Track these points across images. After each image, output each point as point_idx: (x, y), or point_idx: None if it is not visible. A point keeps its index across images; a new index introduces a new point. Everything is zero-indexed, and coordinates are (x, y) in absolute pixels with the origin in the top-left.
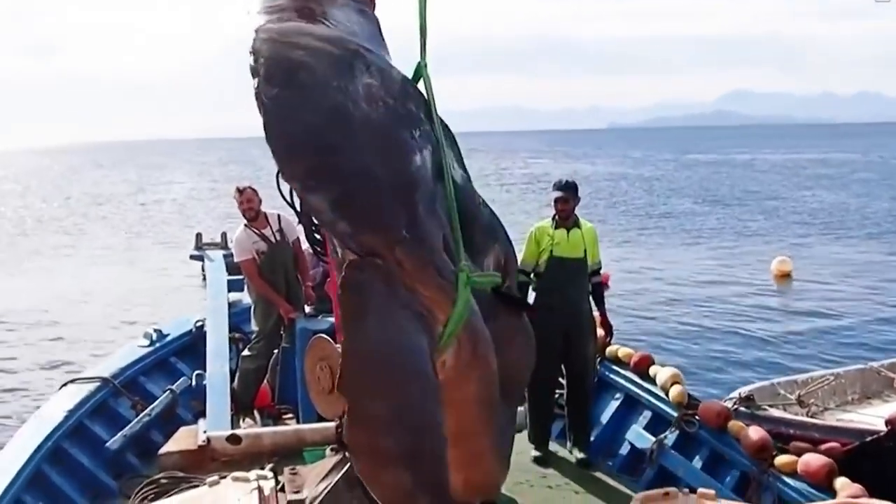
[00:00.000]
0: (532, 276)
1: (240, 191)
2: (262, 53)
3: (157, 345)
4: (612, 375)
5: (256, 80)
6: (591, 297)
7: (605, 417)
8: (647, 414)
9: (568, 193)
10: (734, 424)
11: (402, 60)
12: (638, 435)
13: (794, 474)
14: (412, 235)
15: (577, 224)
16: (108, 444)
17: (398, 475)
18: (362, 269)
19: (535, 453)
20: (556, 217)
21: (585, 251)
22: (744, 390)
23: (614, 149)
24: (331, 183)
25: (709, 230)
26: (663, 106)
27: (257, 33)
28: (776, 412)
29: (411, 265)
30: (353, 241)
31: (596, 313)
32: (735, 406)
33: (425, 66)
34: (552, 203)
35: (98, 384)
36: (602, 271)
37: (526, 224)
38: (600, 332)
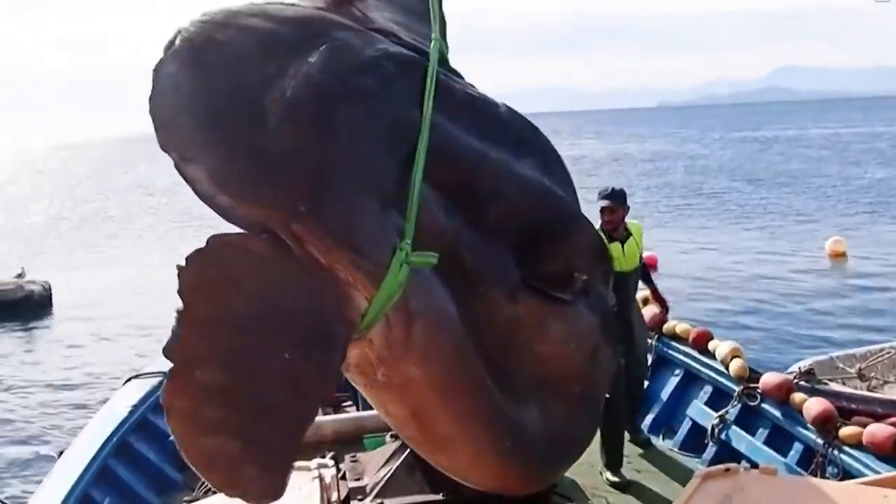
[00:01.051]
0: None
1: None
2: (183, 32)
3: None
4: (670, 352)
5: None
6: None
7: (665, 394)
8: (708, 389)
9: (615, 202)
10: (796, 397)
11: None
12: (699, 411)
13: (859, 446)
14: (317, 211)
15: (627, 232)
16: (172, 438)
17: (221, 442)
18: (226, 243)
19: (611, 478)
20: (604, 229)
21: (640, 255)
22: (803, 364)
23: (663, 127)
24: (205, 153)
25: (759, 208)
26: (713, 83)
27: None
28: (837, 386)
29: (318, 242)
30: (235, 216)
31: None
32: (795, 380)
33: (437, 39)
34: (599, 213)
35: (160, 378)
36: (651, 252)
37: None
38: (655, 309)
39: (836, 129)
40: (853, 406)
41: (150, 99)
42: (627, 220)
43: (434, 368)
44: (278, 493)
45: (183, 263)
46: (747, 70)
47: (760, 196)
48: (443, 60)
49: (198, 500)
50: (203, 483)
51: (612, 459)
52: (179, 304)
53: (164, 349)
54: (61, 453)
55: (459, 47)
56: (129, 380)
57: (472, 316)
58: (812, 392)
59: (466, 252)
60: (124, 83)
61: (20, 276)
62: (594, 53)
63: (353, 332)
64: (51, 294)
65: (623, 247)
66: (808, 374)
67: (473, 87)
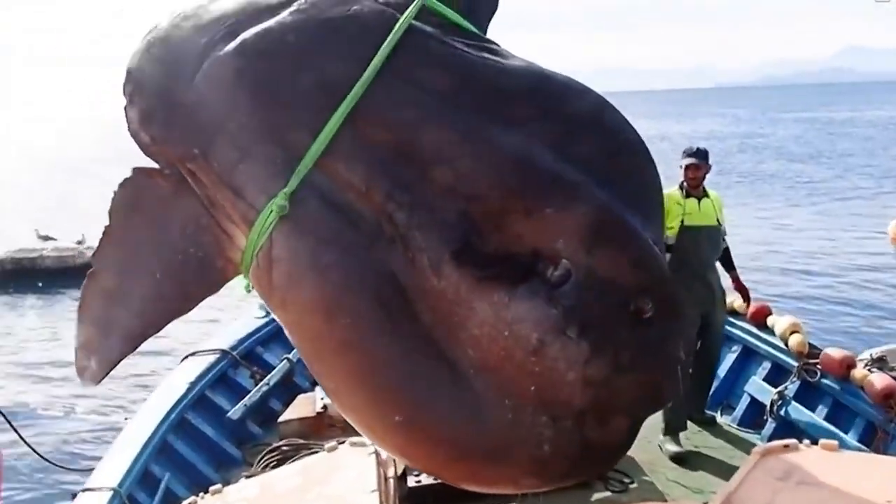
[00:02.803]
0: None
1: None
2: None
3: (273, 315)
4: (728, 327)
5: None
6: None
7: (723, 370)
8: (767, 365)
9: (699, 160)
10: (858, 373)
11: None
12: (758, 387)
13: None
14: (208, 153)
15: (706, 193)
16: (229, 414)
17: (90, 332)
18: (142, 173)
19: (672, 448)
20: (686, 185)
21: (718, 219)
22: (875, 351)
23: (719, 108)
24: (140, 99)
25: (820, 189)
26: (774, 63)
27: None
28: None
29: (207, 181)
30: (150, 153)
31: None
32: (867, 367)
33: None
34: (682, 170)
35: (218, 356)
36: None
37: None
38: (736, 298)
39: None
40: None
41: (131, 55)
42: (710, 189)
43: (294, 316)
44: (96, 380)
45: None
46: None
47: (821, 177)
48: (455, 24)
49: (256, 475)
50: (262, 459)
51: (672, 427)
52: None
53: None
54: (119, 425)
55: (508, 25)
56: (186, 357)
57: (399, 280)
58: None
59: (398, 213)
60: None
61: (80, 242)
62: (649, 32)
63: (233, 267)
64: None
65: (699, 203)
66: (881, 360)
67: (495, 54)
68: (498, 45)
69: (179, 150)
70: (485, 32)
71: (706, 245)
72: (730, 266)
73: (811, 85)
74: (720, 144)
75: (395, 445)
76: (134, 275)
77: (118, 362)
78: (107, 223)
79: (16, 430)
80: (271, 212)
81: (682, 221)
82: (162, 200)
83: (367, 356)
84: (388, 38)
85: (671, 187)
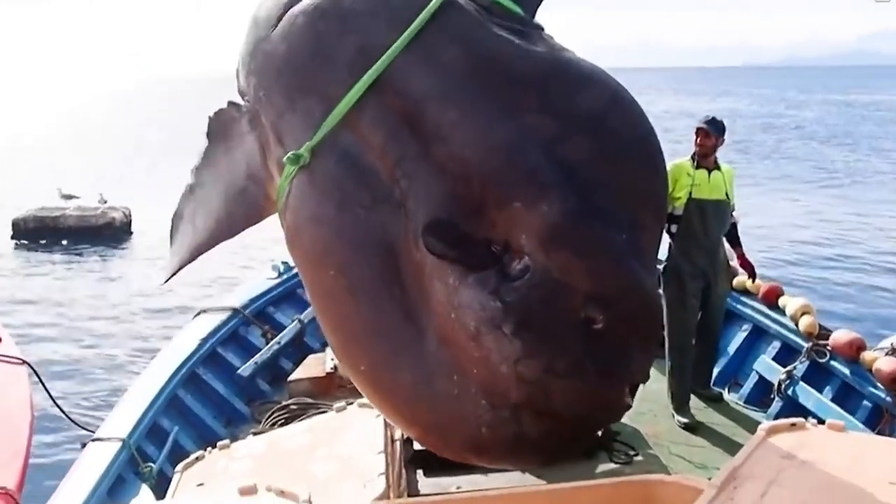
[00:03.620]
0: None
1: None
2: None
3: (285, 276)
4: (739, 306)
5: None
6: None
7: (733, 348)
8: (776, 344)
9: (710, 127)
10: (867, 355)
11: None
12: (766, 366)
13: None
14: (267, 100)
15: (717, 166)
16: (239, 371)
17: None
18: (230, 107)
19: (682, 419)
20: (696, 155)
21: (727, 193)
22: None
23: (746, 87)
24: (240, 48)
25: (842, 172)
26: (802, 44)
27: None
28: None
29: (265, 123)
30: (240, 94)
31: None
32: (888, 354)
33: None
34: (694, 138)
35: (230, 314)
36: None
37: None
38: (740, 274)
39: None
40: None
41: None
42: (724, 164)
43: (299, 261)
44: (164, 280)
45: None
46: (839, 32)
47: (843, 159)
48: (499, 4)
49: (264, 433)
50: (270, 417)
51: (679, 398)
52: None
53: None
54: (132, 380)
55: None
56: (199, 313)
57: (394, 244)
58: None
59: (402, 180)
60: (217, 21)
61: (102, 201)
62: (681, 10)
63: (271, 207)
64: (131, 221)
65: (709, 175)
66: None
67: (526, 38)
68: (534, 29)
69: (251, 93)
70: (534, 14)
71: (712, 218)
72: (736, 242)
73: (838, 67)
74: (743, 122)
75: (361, 390)
76: (206, 194)
77: (179, 270)
78: (204, 144)
79: (45, 386)
80: (292, 163)
81: (690, 193)
82: (238, 135)
83: (343, 307)
84: (423, 13)
85: (684, 157)
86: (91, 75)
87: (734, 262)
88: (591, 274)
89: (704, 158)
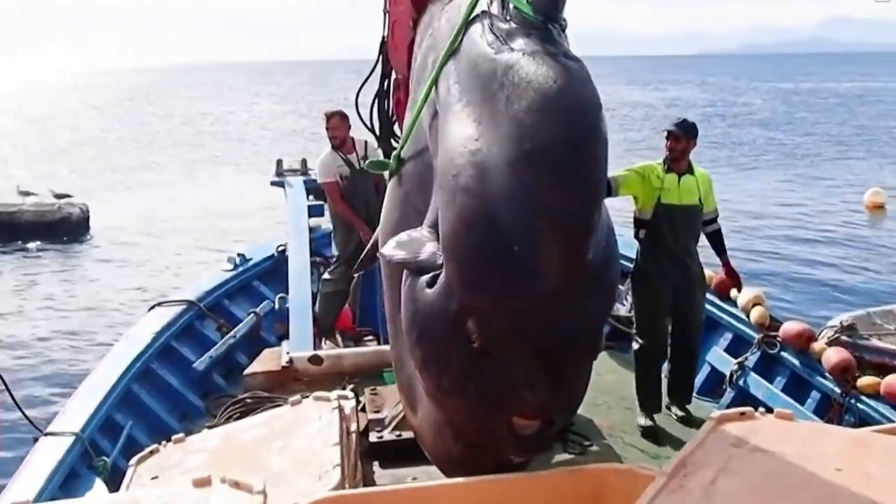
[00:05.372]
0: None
1: (328, 117)
2: None
3: (241, 269)
4: None
5: None
6: (709, 246)
7: None
8: (728, 336)
9: (679, 130)
10: (816, 346)
11: None
12: (719, 357)
13: (876, 396)
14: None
15: (690, 170)
16: (194, 365)
17: None
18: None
19: (643, 423)
20: (667, 159)
21: (700, 199)
22: (844, 318)
23: (700, 75)
24: None
25: (796, 158)
26: (757, 31)
27: None
28: (878, 342)
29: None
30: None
31: (712, 273)
32: (836, 335)
33: None
34: (664, 141)
35: (184, 307)
36: None
37: (617, 159)
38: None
39: (884, 84)
40: (894, 363)
41: None
42: (698, 166)
43: None
44: None
45: None
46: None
47: (797, 146)
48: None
49: (219, 426)
50: (225, 410)
51: (646, 408)
52: None
53: None
54: (86, 376)
55: None
56: (153, 307)
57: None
58: (854, 348)
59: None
60: (155, 13)
61: (59, 196)
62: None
63: None
64: (88, 217)
65: (679, 180)
66: (850, 328)
67: (529, 39)
68: (545, 31)
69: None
70: (560, 10)
71: (682, 225)
72: (720, 250)
73: (794, 54)
74: (693, 111)
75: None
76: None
77: None
78: None
79: (3, 380)
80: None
81: (659, 198)
82: None
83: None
84: (457, 26)
85: (657, 160)
86: (33, 66)
87: (719, 272)
88: (465, 284)
89: (675, 162)
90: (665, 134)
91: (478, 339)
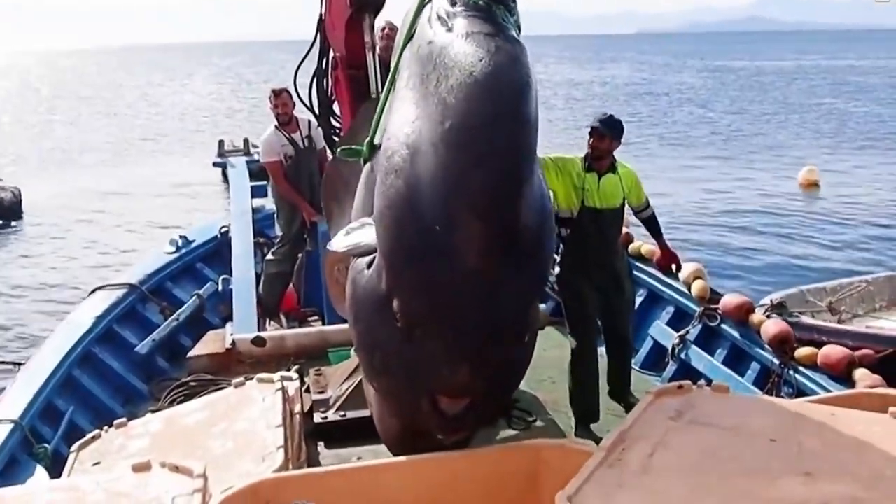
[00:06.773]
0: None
1: (275, 93)
2: None
3: (183, 251)
4: (635, 272)
5: None
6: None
7: None
8: (670, 310)
9: (602, 128)
10: (755, 318)
11: None
12: (661, 331)
13: (814, 366)
14: None
15: (612, 169)
16: (137, 349)
17: None
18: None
19: (581, 434)
20: (588, 157)
21: (624, 199)
22: (775, 297)
23: (638, 54)
24: None
25: (732, 137)
26: (699, 11)
27: None
28: (809, 319)
29: None
30: None
31: (654, 248)
32: (767, 313)
33: None
34: (587, 138)
35: (126, 290)
36: None
37: (546, 138)
38: (644, 243)
39: (817, 61)
40: (824, 339)
41: None
42: (624, 162)
43: None
44: None
45: None
46: None
47: (733, 125)
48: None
49: (163, 409)
50: (169, 394)
51: (582, 415)
52: None
53: None
54: (25, 362)
55: None
56: (94, 291)
57: None
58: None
59: None
60: None
61: None
62: None
63: None
64: (21, 200)
65: (599, 180)
66: (780, 306)
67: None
68: (487, 13)
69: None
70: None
71: (606, 228)
72: (656, 232)
73: (731, 33)
74: (627, 90)
75: None
76: None
77: None
78: None
79: None
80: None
81: (584, 201)
82: None
83: None
84: (411, 12)
85: (577, 154)
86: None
87: (655, 258)
88: (388, 264)
89: (597, 161)
90: (589, 130)
91: (401, 319)
